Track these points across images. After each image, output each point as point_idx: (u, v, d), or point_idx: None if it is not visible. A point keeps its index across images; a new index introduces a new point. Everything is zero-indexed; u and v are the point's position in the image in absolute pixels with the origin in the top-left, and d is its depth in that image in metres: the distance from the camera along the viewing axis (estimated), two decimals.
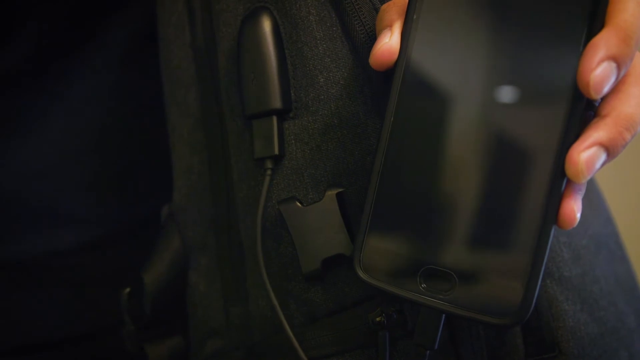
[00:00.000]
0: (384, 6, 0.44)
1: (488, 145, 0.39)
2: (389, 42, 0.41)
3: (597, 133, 0.37)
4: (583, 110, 0.37)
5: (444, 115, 0.40)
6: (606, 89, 0.36)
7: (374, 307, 0.45)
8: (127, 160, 0.65)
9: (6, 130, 0.61)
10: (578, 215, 0.38)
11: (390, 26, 0.42)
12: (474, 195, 0.40)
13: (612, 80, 0.36)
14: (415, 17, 0.41)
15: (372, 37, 0.45)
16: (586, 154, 0.36)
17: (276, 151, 0.47)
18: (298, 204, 0.46)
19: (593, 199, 0.52)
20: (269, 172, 0.47)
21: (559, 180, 0.37)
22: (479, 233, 0.39)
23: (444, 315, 0.41)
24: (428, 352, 0.41)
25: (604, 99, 0.38)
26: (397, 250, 0.41)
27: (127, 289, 0.55)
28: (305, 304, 0.47)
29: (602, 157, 0.37)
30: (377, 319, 0.44)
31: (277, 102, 0.47)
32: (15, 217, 0.61)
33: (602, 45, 0.36)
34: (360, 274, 0.41)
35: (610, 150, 0.37)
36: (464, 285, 0.39)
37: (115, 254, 0.64)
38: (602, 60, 0.36)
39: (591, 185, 0.53)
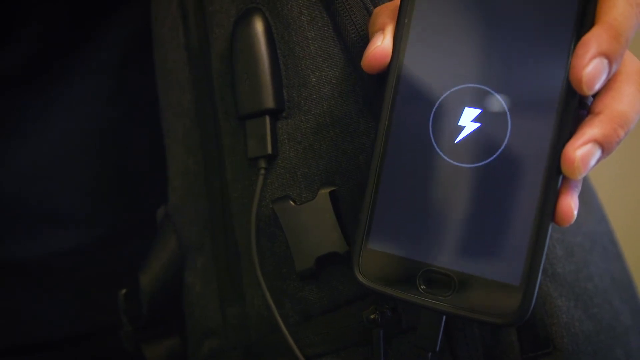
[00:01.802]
0: (377, 9, 0.44)
1: (484, 145, 0.39)
2: (381, 45, 0.42)
3: (592, 130, 0.37)
4: (576, 108, 0.37)
5: (438, 117, 0.40)
6: (598, 85, 0.36)
7: (368, 305, 0.45)
8: (127, 161, 0.65)
9: (6, 130, 0.61)
10: (575, 211, 0.38)
11: (382, 29, 0.42)
12: (471, 195, 0.39)
13: (604, 76, 0.36)
14: (406, 20, 0.41)
15: (364, 37, 0.45)
16: (581, 151, 0.36)
17: (269, 151, 0.47)
18: (291, 202, 0.46)
19: (586, 197, 0.52)
20: (262, 171, 0.47)
21: (555, 178, 0.37)
22: (477, 233, 0.39)
23: (444, 316, 0.41)
24: (430, 354, 0.41)
25: (596, 97, 0.38)
26: (396, 252, 0.41)
27: (124, 290, 0.56)
28: (300, 303, 0.47)
29: (597, 153, 0.37)
30: (372, 316, 0.44)
31: (270, 102, 0.47)
32: (15, 217, 0.62)
33: (593, 42, 0.36)
34: (360, 277, 0.41)
35: (605, 146, 0.37)
36: (464, 286, 0.39)
37: (115, 255, 0.64)
38: (593, 57, 0.36)
39: (585, 184, 0.53)
